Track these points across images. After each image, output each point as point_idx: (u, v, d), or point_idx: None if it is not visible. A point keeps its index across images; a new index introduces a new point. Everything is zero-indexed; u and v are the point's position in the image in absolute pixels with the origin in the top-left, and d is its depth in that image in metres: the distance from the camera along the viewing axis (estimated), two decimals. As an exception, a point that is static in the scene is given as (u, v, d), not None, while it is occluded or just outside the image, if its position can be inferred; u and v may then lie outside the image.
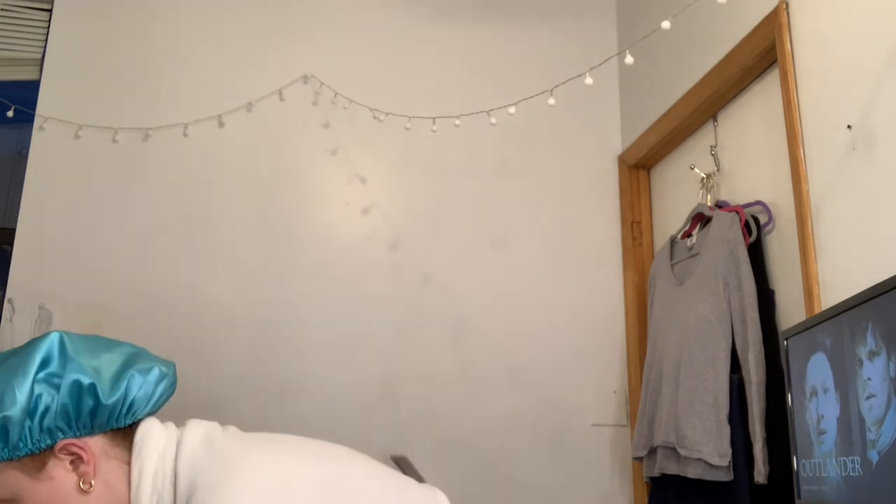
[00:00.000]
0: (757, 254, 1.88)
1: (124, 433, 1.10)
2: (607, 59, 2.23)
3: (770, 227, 1.89)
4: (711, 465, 1.80)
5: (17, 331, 2.21)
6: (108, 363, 1.09)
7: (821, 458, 1.30)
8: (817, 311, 1.55)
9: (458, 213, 2.53)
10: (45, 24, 2.47)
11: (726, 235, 1.91)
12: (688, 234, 2.14)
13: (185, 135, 2.44)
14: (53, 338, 1.07)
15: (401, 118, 2.44)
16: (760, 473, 1.71)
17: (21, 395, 1.02)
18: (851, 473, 1.20)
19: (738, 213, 1.93)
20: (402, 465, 2.23)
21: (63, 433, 1.05)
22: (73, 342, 1.08)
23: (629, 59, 1.91)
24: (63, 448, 1.05)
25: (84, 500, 1.06)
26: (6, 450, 1.03)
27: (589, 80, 1.97)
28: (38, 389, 1.03)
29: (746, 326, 1.82)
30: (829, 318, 1.30)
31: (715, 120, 2.17)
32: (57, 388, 1.04)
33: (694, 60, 2.16)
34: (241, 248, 2.40)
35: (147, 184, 2.40)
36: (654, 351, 2.16)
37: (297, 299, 2.39)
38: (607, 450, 2.44)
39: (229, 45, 2.54)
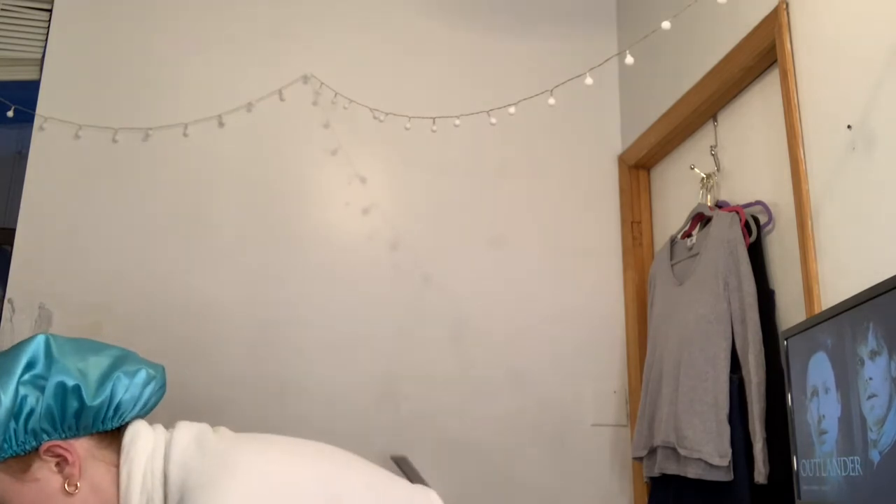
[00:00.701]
0: (757, 254, 1.88)
1: (112, 435, 1.10)
2: (607, 60, 2.23)
3: (770, 227, 1.89)
4: (711, 465, 1.81)
5: (17, 331, 2.21)
6: (95, 365, 1.09)
7: (821, 458, 1.30)
8: (817, 311, 1.56)
9: (458, 213, 2.53)
10: (45, 24, 2.47)
11: (726, 235, 1.91)
12: (688, 234, 2.14)
13: (185, 135, 2.44)
14: (39, 340, 1.07)
15: (401, 118, 2.44)
16: (760, 473, 1.71)
17: (5, 397, 1.02)
18: (852, 473, 1.20)
19: (738, 213, 1.93)
20: (402, 465, 2.23)
21: (48, 435, 1.05)
22: (59, 344, 1.08)
23: (629, 59, 1.91)
24: (48, 450, 1.05)
25: (69, 501, 1.06)
26: None
27: (589, 80, 1.97)
28: (22, 391, 1.03)
29: (746, 326, 1.82)
30: (829, 318, 1.30)
31: (715, 120, 2.17)
32: (42, 389, 1.04)
33: (694, 60, 2.16)
34: (241, 248, 2.40)
35: (147, 184, 2.40)
36: (654, 351, 2.16)
37: (297, 299, 2.39)
38: (607, 450, 2.44)
39: (229, 45, 2.54)
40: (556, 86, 2.09)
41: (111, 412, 1.09)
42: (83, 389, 1.06)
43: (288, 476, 1.03)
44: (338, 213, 2.49)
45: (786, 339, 1.48)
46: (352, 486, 1.09)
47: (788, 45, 1.73)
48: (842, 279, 1.53)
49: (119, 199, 2.37)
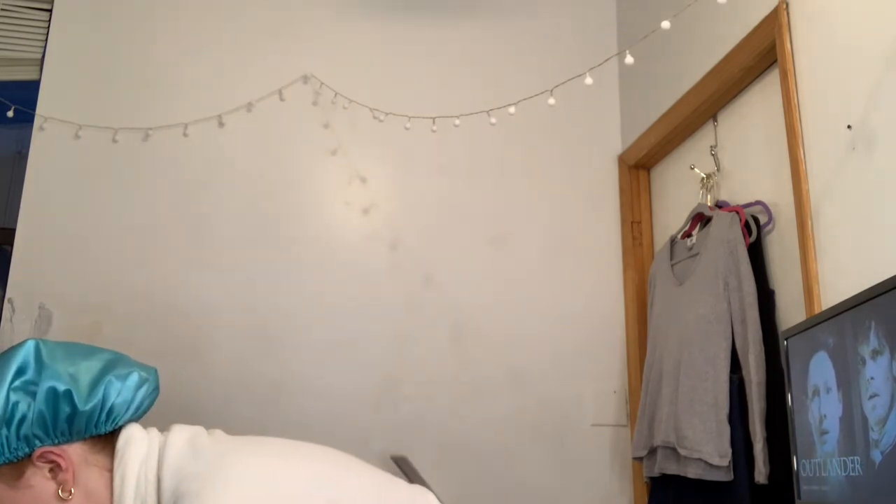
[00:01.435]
0: (757, 254, 1.88)
1: (105, 440, 1.10)
2: (607, 59, 2.23)
3: (770, 227, 1.89)
4: (711, 465, 1.80)
5: (17, 331, 2.21)
6: (86, 370, 1.08)
7: (822, 457, 1.30)
8: (817, 311, 1.56)
9: (458, 213, 2.53)
10: (45, 24, 2.46)
11: (726, 235, 1.91)
12: (688, 234, 2.14)
13: (185, 135, 2.44)
14: (29, 346, 1.07)
15: (401, 118, 2.44)
16: (761, 473, 1.71)
17: None
18: (852, 473, 1.20)
19: (738, 213, 1.93)
20: (402, 465, 2.23)
21: (41, 441, 1.05)
22: (49, 349, 1.07)
23: (629, 59, 1.91)
24: (41, 456, 1.05)
25: None
26: None
27: (589, 80, 1.97)
28: (13, 397, 1.03)
29: (746, 326, 1.82)
30: (830, 318, 1.30)
31: (715, 120, 2.17)
32: (33, 395, 1.04)
33: (694, 60, 2.16)
34: (241, 248, 2.40)
35: (147, 184, 2.40)
36: (654, 351, 2.16)
37: (297, 299, 2.39)
38: (607, 450, 2.44)
39: (229, 45, 2.54)
40: (556, 86, 2.09)
41: (104, 416, 1.08)
42: (75, 394, 1.05)
43: (284, 480, 1.03)
44: (338, 213, 2.48)
45: (786, 339, 1.48)
46: (350, 489, 1.08)
47: (788, 45, 1.73)
48: (842, 279, 1.53)
49: (119, 199, 2.37)
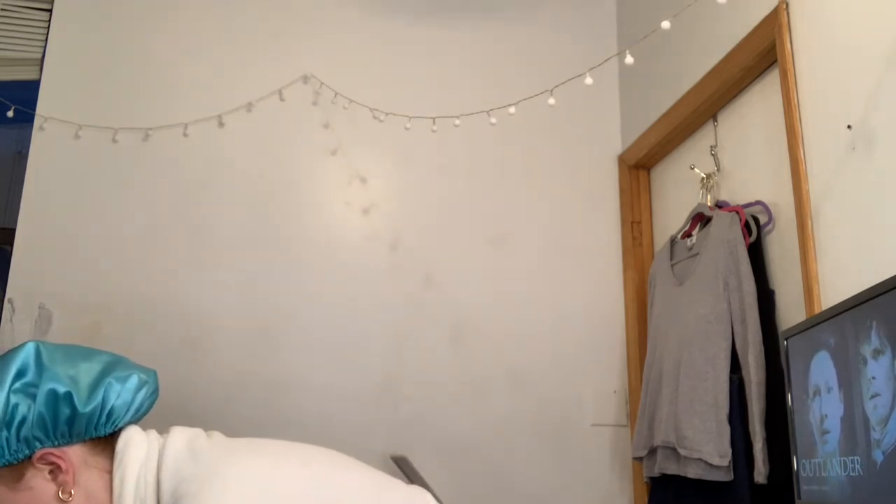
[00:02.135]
0: (757, 254, 1.88)
1: (105, 442, 1.10)
2: (607, 59, 2.23)
3: (770, 227, 1.89)
4: (711, 465, 1.81)
5: (17, 331, 2.21)
6: (86, 372, 1.08)
7: (823, 457, 1.30)
8: (817, 311, 1.56)
9: (458, 213, 2.53)
10: (45, 24, 2.46)
11: (726, 235, 1.91)
12: (688, 234, 2.14)
13: (185, 135, 2.44)
14: (29, 348, 1.07)
15: (401, 118, 2.44)
16: (760, 473, 1.71)
17: None
18: (853, 473, 1.20)
19: (738, 213, 1.93)
20: (402, 465, 2.23)
21: (41, 443, 1.05)
22: (49, 352, 1.08)
23: (629, 59, 1.91)
24: (41, 458, 1.05)
25: None
26: None
27: (589, 80, 1.97)
28: (13, 399, 1.03)
29: (746, 326, 1.82)
30: (830, 318, 1.30)
31: (715, 120, 2.17)
32: (33, 397, 1.04)
33: (694, 60, 2.16)
34: (241, 248, 2.40)
35: (147, 184, 2.40)
36: (654, 351, 2.16)
37: (297, 299, 2.39)
38: (607, 450, 2.44)
39: (229, 45, 2.54)
40: (556, 86, 2.09)
41: (104, 418, 1.08)
42: (75, 396, 1.05)
43: (282, 481, 1.03)
44: (338, 214, 2.48)
45: (786, 339, 1.48)
46: (349, 490, 1.09)
47: (788, 45, 1.73)
48: (842, 279, 1.53)
49: (119, 199, 2.37)
